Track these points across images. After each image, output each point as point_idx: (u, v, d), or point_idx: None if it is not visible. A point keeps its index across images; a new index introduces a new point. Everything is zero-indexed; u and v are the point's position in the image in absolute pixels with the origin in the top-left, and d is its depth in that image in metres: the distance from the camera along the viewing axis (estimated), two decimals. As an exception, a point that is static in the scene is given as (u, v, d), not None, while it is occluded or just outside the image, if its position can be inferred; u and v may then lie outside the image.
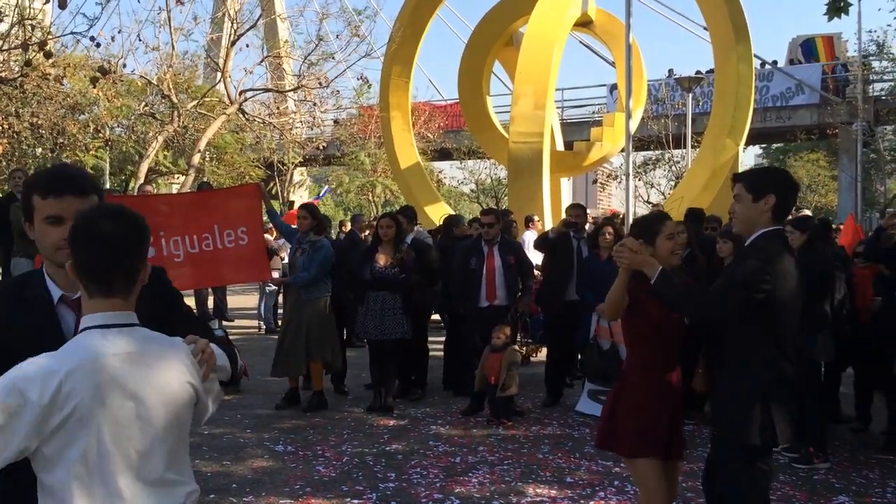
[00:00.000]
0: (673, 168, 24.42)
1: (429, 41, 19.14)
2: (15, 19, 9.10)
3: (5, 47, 8.75)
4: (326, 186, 27.08)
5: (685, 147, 19.27)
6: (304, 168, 32.94)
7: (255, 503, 4.69)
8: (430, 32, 19.53)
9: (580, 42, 27.51)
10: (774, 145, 39.14)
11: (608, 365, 6.71)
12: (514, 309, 7.24)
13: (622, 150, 17.61)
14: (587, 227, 8.26)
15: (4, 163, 15.02)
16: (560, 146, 18.72)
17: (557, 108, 22.61)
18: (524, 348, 8.84)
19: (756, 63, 18.84)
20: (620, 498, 4.81)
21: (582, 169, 20.11)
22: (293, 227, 7.76)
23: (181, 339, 1.90)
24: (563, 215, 8.00)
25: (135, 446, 1.74)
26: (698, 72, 19.92)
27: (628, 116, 11.79)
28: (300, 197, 31.46)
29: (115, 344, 1.75)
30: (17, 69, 10.07)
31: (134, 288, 1.83)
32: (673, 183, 23.73)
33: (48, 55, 8.50)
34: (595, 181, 30.42)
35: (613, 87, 25.26)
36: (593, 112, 29.29)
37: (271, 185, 28.42)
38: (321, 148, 22.65)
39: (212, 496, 4.78)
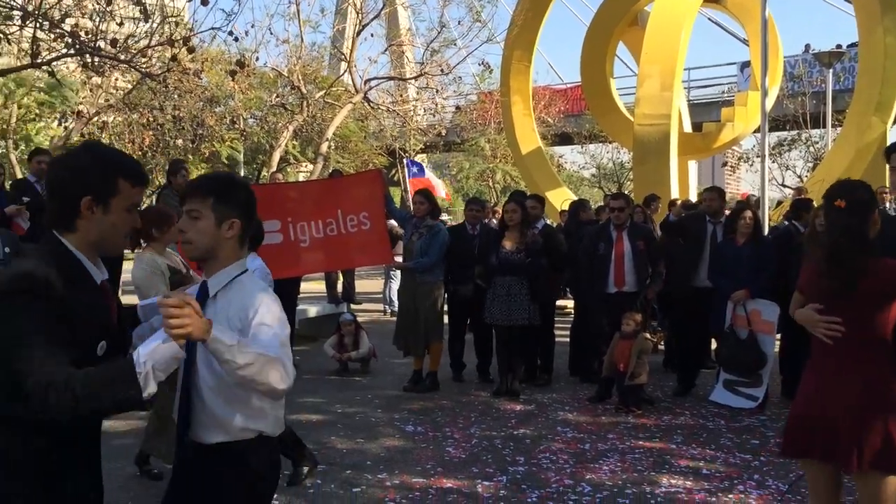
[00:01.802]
0: (811, 149, 23.10)
1: (548, 24, 18.94)
2: (159, 18, 9.67)
3: (151, 44, 9.29)
4: (420, 166, 27.29)
5: (825, 126, 18.15)
6: (425, 154, 33.40)
7: (389, 480, 4.81)
8: (550, 15, 19.26)
9: (708, 19, 26.47)
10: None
11: (746, 355, 6.45)
12: (643, 296, 7.06)
13: (756, 131, 16.83)
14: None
15: (150, 153, 16.01)
16: (688, 128, 18.09)
17: (684, 88, 21.81)
18: (655, 336, 8.61)
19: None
20: (761, 492, 4.61)
21: (711, 151, 19.35)
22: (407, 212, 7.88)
23: None
24: (695, 199, 7.72)
25: None
26: (838, 46, 18.70)
27: (764, 95, 11.23)
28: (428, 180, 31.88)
29: None
30: (158, 65, 10.68)
31: None
32: (811, 165, 22.45)
33: (191, 50, 8.98)
34: (724, 164, 29.12)
35: (744, 65, 24.10)
36: (723, 92, 28.08)
37: (393, 171, 29.00)
38: (442, 134, 22.87)
39: (348, 472, 4.94)
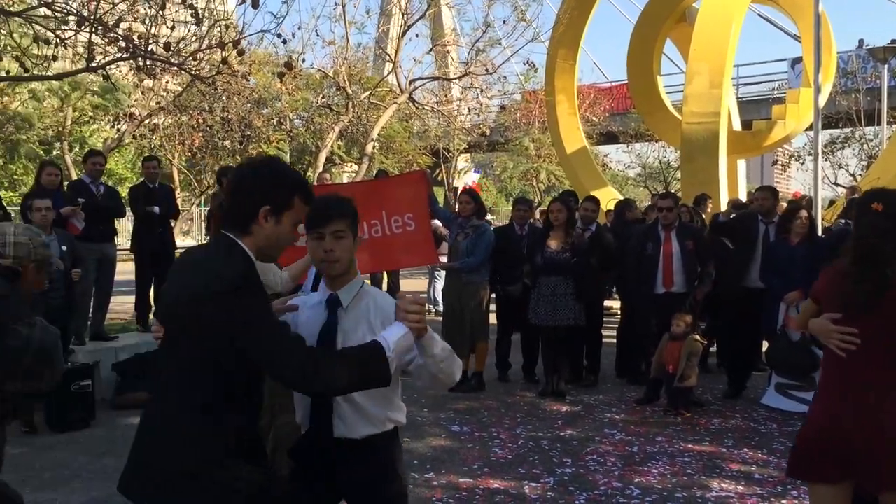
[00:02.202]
0: (865, 147, 22.49)
1: (593, 22, 18.76)
2: (210, 21, 9.83)
3: (202, 47, 9.46)
4: (476, 170, 27.29)
5: (879, 124, 17.66)
6: (469, 154, 33.38)
7: (436, 480, 4.82)
8: (595, 13, 19.09)
9: (758, 15, 25.96)
10: None
11: (798, 358, 6.31)
12: (692, 296, 6.94)
13: (808, 129, 16.45)
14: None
15: (199, 154, 16.30)
16: (737, 126, 17.75)
17: (733, 85, 21.41)
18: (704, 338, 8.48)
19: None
20: (816, 499, 4.50)
21: (761, 149, 18.94)
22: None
23: None
24: (744, 198, 7.58)
25: None
26: (893, 41, 18.17)
27: (817, 91, 10.94)
28: (463, 183, 31.95)
29: None
30: (207, 67, 10.86)
31: None
32: (865, 163, 21.87)
33: (241, 53, 9.12)
34: (775, 162, 28.50)
35: (795, 62, 23.59)
36: (773, 89, 27.52)
37: (437, 171, 29.07)
38: (486, 134, 22.83)
39: (395, 471, 4.96)
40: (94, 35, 8.24)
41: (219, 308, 2.02)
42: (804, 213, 6.53)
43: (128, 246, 8.94)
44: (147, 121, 15.56)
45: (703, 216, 8.65)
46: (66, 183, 8.48)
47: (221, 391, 2.09)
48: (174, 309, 2.17)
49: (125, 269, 9.35)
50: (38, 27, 8.44)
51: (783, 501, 4.48)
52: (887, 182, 12.10)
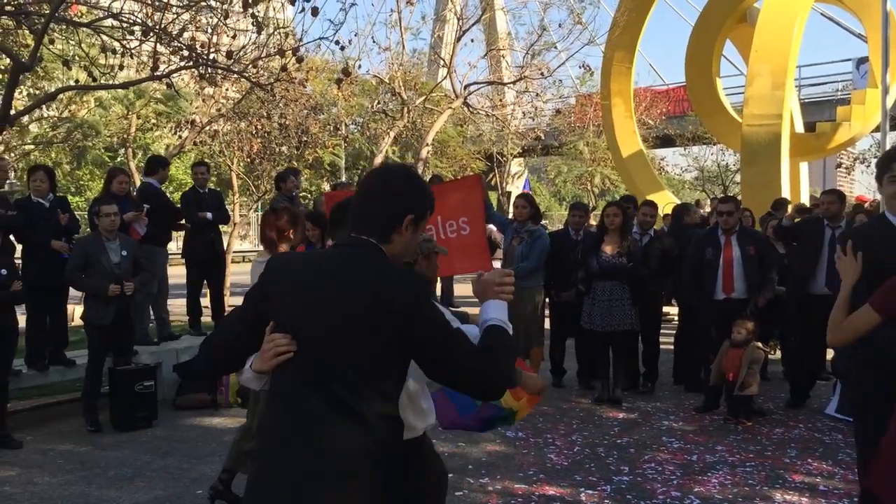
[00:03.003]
0: (934, 149, 21.66)
1: (649, 25, 18.51)
2: (270, 29, 10.01)
3: (262, 55, 9.62)
4: (526, 179, 27.22)
5: (951, 124, 17.01)
6: (522, 159, 33.24)
7: (491, 485, 4.80)
8: (652, 16, 18.84)
9: (821, 14, 25.28)
10: None
11: (865, 366, 6.10)
12: (753, 303, 6.78)
13: (874, 130, 15.95)
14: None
15: (258, 160, 16.58)
16: (799, 128, 17.31)
17: (795, 86, 20.88)
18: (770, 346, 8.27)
19: None
20: (885, 513, 4.34)
21: (825, 152, 18.43)
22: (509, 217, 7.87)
23: None
24: (808, 203, 7.38)
25: None
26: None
27: (884, 92, 10.63)
28: (517, 188, 31.84)
29: None
30: (266, 75, 11.03)
31: None
32: (935, 165, 21.05)
33: (300, 60, 9.25)
34: (839, 165, 27.68)
35: (861, 62, 22.83)
36: (837, 90, 26.74)
37: (490, 176, 29.03)
38: (540, 138, 22.69)
39: (450, 476, 4.94)
40: (158, 44, 8.46)
41: (409, 320, 1.93)
42: (862, 217, 6.33)
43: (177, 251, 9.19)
44: (207, 127, 15.89)
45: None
46: (131, 189, 8.73)
47: (396, 403, 2.02)
48: (339, 321, 1.95)
49: (175, 273, 9.58)
50: (105, 37, 8.70)
51: (850, 515, 4.34)
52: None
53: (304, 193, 20.00)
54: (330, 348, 1.95)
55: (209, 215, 8.33)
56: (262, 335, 2.06)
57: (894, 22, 14.24)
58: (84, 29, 8.71)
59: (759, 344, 6.41)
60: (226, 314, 2.34)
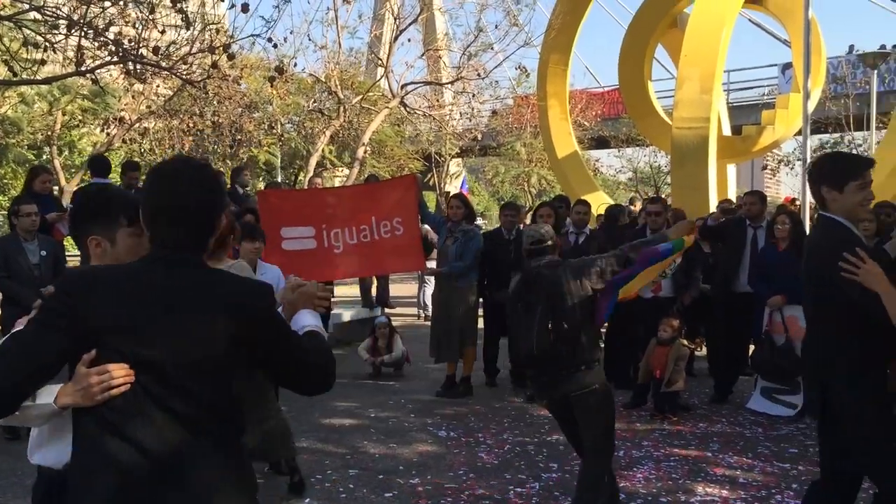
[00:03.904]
0: (854, 152, 22.60)
1: (585, 27, 18.82)
2: (200, 25, 9.82)
3: (192, 51, 9.44)
4: (464, 178, 27.42)
5: (868, 129, 17.76)
6: (460, 159, 33.39)
7: (421, 485, 4.81)
8: (587, 18, 19.15)
9: (749, 20, 26.08)
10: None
11: (782, 362, 6.33)
12: (679, 301, 6.96)
13: (797, 134, 16.51)
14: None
15: (190, 159, 16.30)
16: (727, 131, 17.81)
17: (724, 90, 21.50)
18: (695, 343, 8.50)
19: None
20: (799, 502, 4.51)
21: (751, 154, 19.03)
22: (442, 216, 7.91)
23: None
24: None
25: None
26: (882, 46, 18.25)
27: (806, 97, 10.99)
28: (455, 188, 31.97)
29: None
30: (198, 72, 10.83)
31: None
32: (854, 168, 21.96)
33: (231, 57, 9.11)
34: (765, 167, 28.63)
35: (785, 67, 23.72)
36: (763, 94, 27.65)
37: (429, 176, 29.06)
38: (478, 139, 22.84)
39: (380, 476, 4.96)
40: (83, 39, 8.22)
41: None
42: (784, 218, 6.57)
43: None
44: (137, 125, 15.52)
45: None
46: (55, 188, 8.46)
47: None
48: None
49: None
50: (27, 31, 8.41)
51: (767, 506, 4.49)
52: (876, 185, 12.13)
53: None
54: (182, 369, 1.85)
55: None
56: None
57: (816, 28, 14.82)
58: (5, 22, 8.41)
59: (685, 341, 6.59)
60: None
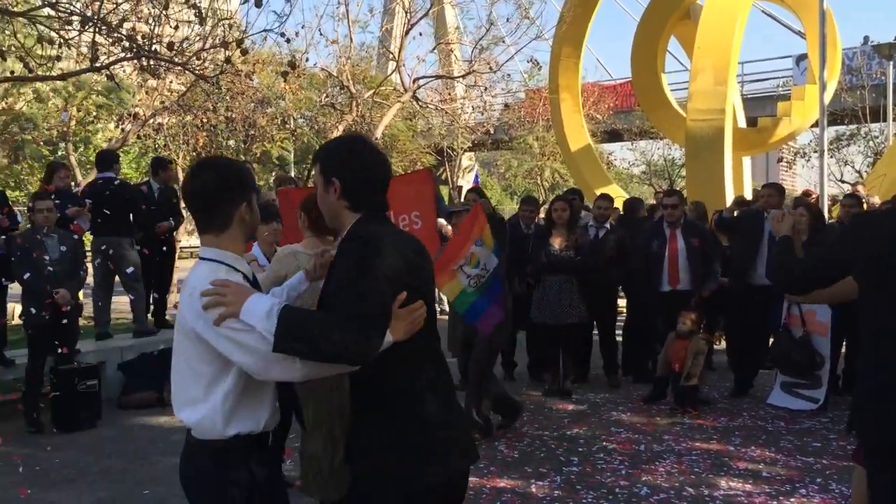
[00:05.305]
0: (870, 143, 22.36)
1: (597, 20, 18.71)
2: (213, 21, 9.82)
3: (206, 47, 9.44)
4: (476, 172, 27.27)
5: (885, 120, 17.59)
6: (473, 153, 33.31)
7: (442, 479, 4.80)
8: (599, 11, 19.04)
9: (762, 11, 25.87)
10: None
11: (798, 354, 6.28)
12: (698, 294, 6.92)
13: (813, 126, 16.39)
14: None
15: (203, 154, 16.29)
16: (742, 123, 17.69)
17: (738, 82, 21.34)
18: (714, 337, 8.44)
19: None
20: (824, 496, 4.48)
21: (766, 146, 18.89)
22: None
23: None
24: (749, 196, 7.54)
25: None
26: (898, 37, 18.08)
27: (822, 88, 10.92)
28: (467, 182, 31.90)
29: None
30: (210, 67, 10.82)
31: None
32: (870, 160, 21.77)
33: (244, 52, 9.09)
34: (780, 159, 28.45)
35: (800, 58, 23.51)
36: (777, 86, 27.42)
37: (441, 170, 29.02)
38: (490, 132, 22.77)
39: (401, 470, 4.94)
40: (97, 35, 8.22)
41: None
42: (800, 210, 6.50)
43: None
44: (151, 121, 15.55)
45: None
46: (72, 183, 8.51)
47: None
48: None
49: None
50: (41, 27, 8.42)
51: (791, 499, 4.45)
52: (893, 177, 12.03)
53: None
54: None
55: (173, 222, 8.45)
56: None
57: (831, 19, 14.67)
58: (20, 18, 8.43)
59: (703, 335, 6.54)
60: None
